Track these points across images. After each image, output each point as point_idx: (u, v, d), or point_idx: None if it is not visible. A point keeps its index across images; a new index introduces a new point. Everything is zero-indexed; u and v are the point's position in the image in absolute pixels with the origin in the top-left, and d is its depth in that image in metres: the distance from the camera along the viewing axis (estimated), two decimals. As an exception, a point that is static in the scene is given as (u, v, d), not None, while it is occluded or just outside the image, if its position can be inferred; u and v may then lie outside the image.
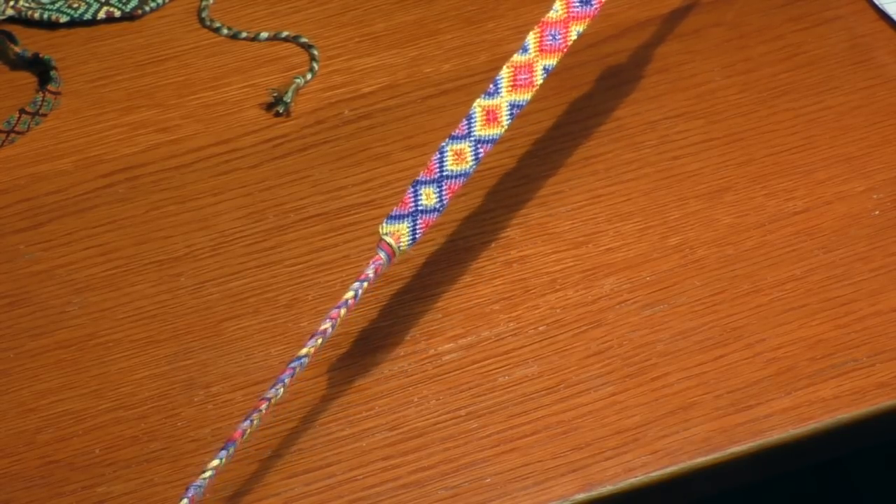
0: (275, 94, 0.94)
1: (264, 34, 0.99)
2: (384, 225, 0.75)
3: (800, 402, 0.77)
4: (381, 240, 0.75)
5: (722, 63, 0.94)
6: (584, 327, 0.81)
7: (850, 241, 0.84)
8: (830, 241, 0.84)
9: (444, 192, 0.76)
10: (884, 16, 0.97)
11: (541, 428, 0.76)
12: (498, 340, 0.80)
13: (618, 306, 0.81)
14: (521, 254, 0.84)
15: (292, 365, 0.71)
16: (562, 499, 0.74)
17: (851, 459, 1.18)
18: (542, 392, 0.78)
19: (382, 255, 0.75)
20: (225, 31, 0.99)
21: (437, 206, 0.76)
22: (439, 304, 0.82)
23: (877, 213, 0.86)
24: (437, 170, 0.76)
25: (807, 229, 0.85)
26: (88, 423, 0.77)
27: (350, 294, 0.73)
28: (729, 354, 0.79)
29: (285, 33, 0.98)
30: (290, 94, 0.93)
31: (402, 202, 0.76)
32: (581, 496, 0.74)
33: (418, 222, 0.75)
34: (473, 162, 0.76)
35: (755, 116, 0.91)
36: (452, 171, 0.76)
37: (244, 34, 0.99)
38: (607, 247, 0.85)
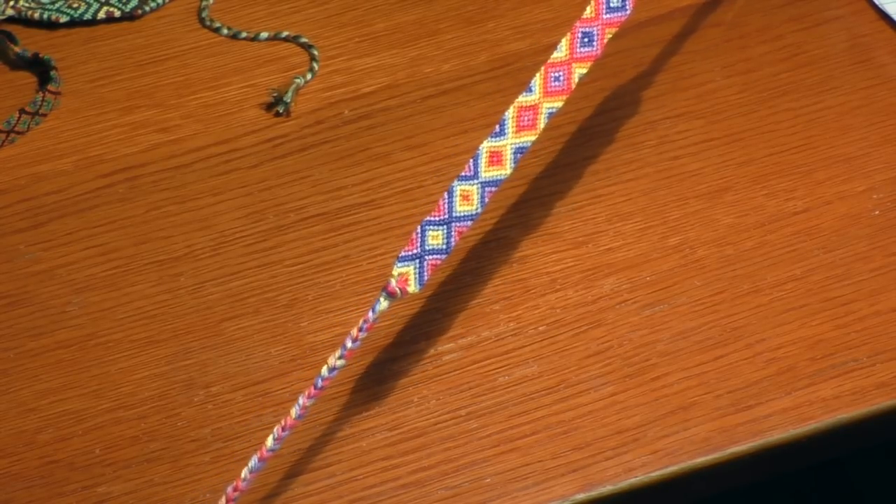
0: (275, 94, 0.94)
1: (264, 34, 0.99)
2: (396, 267, 0.74)
3: (800, 402, 0.77)
4: (389, 283, 0.73)
5: (722, 63, 0.94)
6: (584, 327, 0.81)
7: (850, 241, 0.84)
8: (830, 241, 0.84)
9: (451, 235, 0.75)
10: (884, 16, 0.97)
11: (541, 428, 0.76)
12: (498, 340, 0.80)
13: (618, 306, 0.82)
14: (521, 254, 0.84)
15: (295, 414, 0.70)
16: (562, 499, 0.74)
17: (851, 459, 1.18)
18: (542, 392, 0.78)
19: (385, 302, 0.73)
20: (225, 31, 0.99)
21: (444, 248, 0.75)
22: (439, 304, 0.82)
23: (877, 213, 0.86)
24: (446, 211, 0.76)
25: (807, 229, 0.85)
26: (88, 423, 0.78)
27: (349, 343, 0.72)
28: (729, 354, 0.79)
29: (285, 33, 0.98)
30: (290, 94, 0.93)
31: (410, 241, 0.75)
32: (581, 496, 0.74)
33: (425, 265, 0.75)
34: (480, 205, 0.76)
35: (755, 116, 0.91)
36: (460, 213, 0.76)
37: (244, 34, 0.99)
38: (607, 247, 0.85)
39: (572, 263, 0.84)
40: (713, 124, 0.91)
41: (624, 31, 0.96)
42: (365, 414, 0.77)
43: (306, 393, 0.71)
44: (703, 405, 0.77)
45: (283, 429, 0.70)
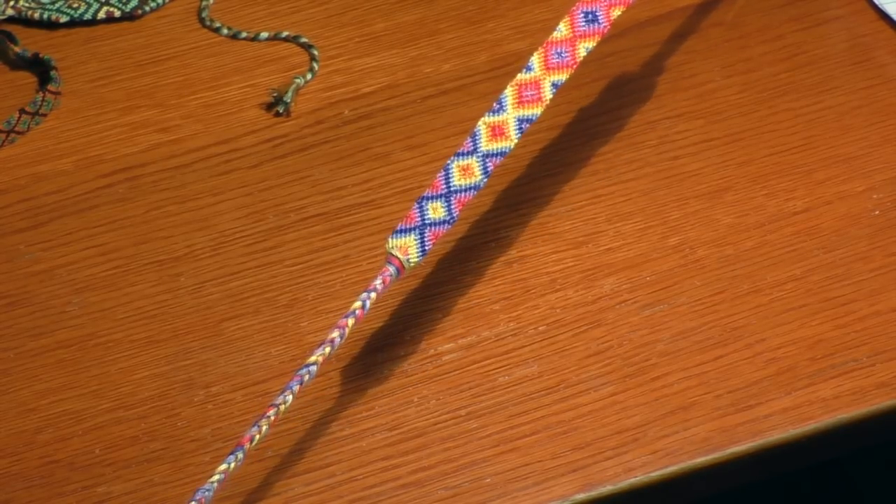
0: (275, 94, 0.94)
1: (264, 34, 0.99)
2: (390, 239, 0.75)
3: (800, 402, 0.77)
4: (389, 254, 0.74)
5: (722, 63, 0.94)
6: (584, 327, 0.81)
7: (850, 241, 0.84)
8: (830, 241, 0.84)
9: (452, 205, 0.75)
10: (884, 16, 0.97)
11: (541, 428, 0.76)
12: (498, 340, 0.80)
13: (618, 306, 0.82)
14: (521, 254, 0.84)
15: (300, 373, 0.70)
16: (562, 499, 0.74)
17: (851, 459, 1.18)
18: (542, 392, 0.78)
19: (391, 268, 0.74)
20: (225, 31, 0.99)
21: (447, 218, 0.75)
22: (439, 304, 0.82)
23: (877, 213, 0.86)
24: (444, 185, 0.76)
25: (807, 229, 0.85)
26: (88, 423, 0.78)
27: (358, 304, 0.72)
28: (729, 354, 0.79)
29: (285, 33, 0.98)
30: (290, 94, 0.93)
31: (408, 217, 0.75)
32: (581, 496, 0.74)
33: (426, 235, 0.75)
34: (482, 175, 0.76)
35: (755, 116, 0.91)
36: (460, 185, 0.76)
37: (244, 34, 0.99)
38: (607, 247, 0.85)
39: (572, 263, 0.84)
40: (713, 124, 0.91)
41: (624, 31, 0.96)
42: (365, 414, 0.77)
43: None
44: (703, 405, 0.77)
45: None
